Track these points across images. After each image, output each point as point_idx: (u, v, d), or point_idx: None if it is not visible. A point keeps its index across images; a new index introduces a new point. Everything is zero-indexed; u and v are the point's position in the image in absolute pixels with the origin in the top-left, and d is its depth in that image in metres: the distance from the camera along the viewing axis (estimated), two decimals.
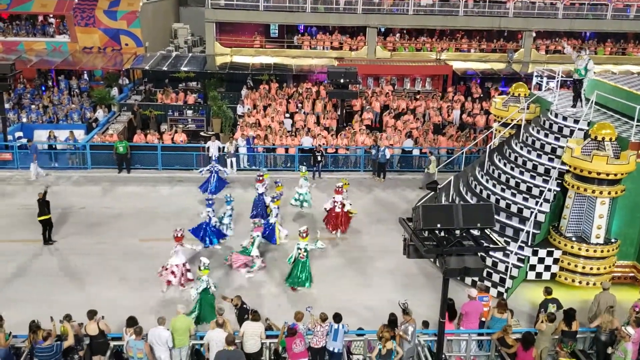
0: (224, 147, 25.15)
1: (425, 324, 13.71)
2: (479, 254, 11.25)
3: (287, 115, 29.88)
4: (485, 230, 11.77)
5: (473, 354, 13.46)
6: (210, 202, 18.73)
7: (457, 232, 11.03)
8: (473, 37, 39.28)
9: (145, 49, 36.73)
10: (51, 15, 37.23)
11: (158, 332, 12.08)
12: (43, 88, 33.32)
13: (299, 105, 30.32)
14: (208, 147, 25.02)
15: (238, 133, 26.65)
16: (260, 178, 20.49)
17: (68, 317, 12.24)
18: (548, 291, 14.27)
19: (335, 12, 36.95)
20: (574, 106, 18.73)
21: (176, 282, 16.12)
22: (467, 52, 38.47)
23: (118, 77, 34.82)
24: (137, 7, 36.04)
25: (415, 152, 26.39)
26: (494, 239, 12.03)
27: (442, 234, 11.16)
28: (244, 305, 13.66)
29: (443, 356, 12.45)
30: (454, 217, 10.85)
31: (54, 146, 25.74)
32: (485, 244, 11.36)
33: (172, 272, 16.06)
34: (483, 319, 14.05)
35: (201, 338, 12.66)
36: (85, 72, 35.25)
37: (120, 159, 24.78)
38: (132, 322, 12.09)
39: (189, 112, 30.63)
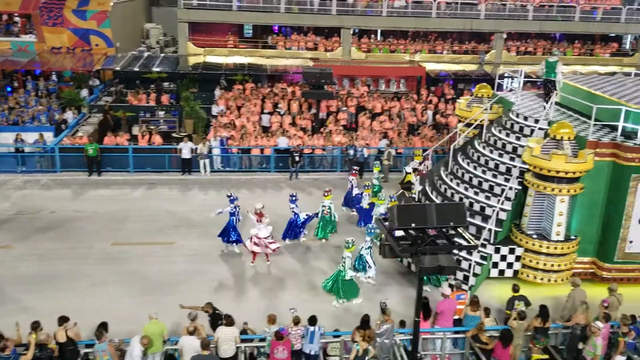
0: (196, 149, 24.92)
1: (402, 324, 13.72)
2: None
3: (267, 112, 29.80)
4: (458, 229, 11.83)
5: (448, 352, 13.52)
6: (293, 198, 18.93)
7: (431, 231, 11.08)
8: (445, 39, 39.60)
9: (116, 50, 36.22)
10: (16, 14, 36.44)
11: (133, 344, 11.87)
12: (8, 89, 32.53)
13: (279, 106, 30.24)
14: (180, 149, 24.77)
15: (211, 134, 26.42)
16: (354, 172, 21.52)
17: (36, 325, 11.96)
18: (515, 289, 14.43)
19: (310, 13, 36.91)
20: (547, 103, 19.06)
21: (260, 250, 17.17)
22: (440, 53, 38.75)
23: (88, 78, 34.22)
24: (107, 6, 35.49)
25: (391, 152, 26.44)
26: (467, 237, 12.11)
27: (417, 233, 11.19)
28: (217, 311, 13.50)
29: (418, 355, 12.48)
30: (427, 216, 10.91)
31: (21, 149, 25.20)
32: (458, 243, 11.43)
33: (255, 243, 17.09)
34: (456, 317, 14.13)
35: (175, 343, 12.49)
36: (53, 72, 34.58)
37: (91, 161, 24.36)
38: (101, 328, 11.86)
39: (161, 113, 30.28)
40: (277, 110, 29.94)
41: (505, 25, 38.05)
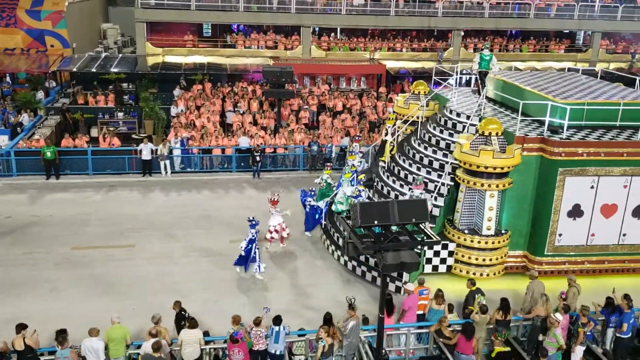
0: (156, 150, 24.62)
1: (366, 321, 13.83)
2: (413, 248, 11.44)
3: (230, 109, 29.72)
4: (420, 225, 11.98)
5: (412, 348, 13.68)
6: (311, 193, 19.67)
7: (394, 227, 11.19)
8: (405, 37, 40.00)
9: (73, 50, 35.53)
10: None
11: (90, 344, 11.71)
12: None
13: (239, 105, 30.11)
14: (140, 150, 24.44)
15: (171, 134, 26.12)
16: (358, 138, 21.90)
17: None
18: (472, 282, 14.54)
19: (269, 12, 36.85)
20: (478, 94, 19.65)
21: (277, 237, 18.22)
22: (400, 51, 39.15)
23: (44, 80, 33.47)
24: (62, 6, 34.79)
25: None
26: (429, 232, 12.26)
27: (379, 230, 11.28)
28: (182, 312, 13.41)
29: (383, 351, 12.60)
30: (390, 213, 11.00)
31: None
32: (420, 239, 11.58)
33: (270, 231, 18.07)
34: (420, 312, 14.29)
35: (138, 347, 12.35)
36: (7, 74, 33.66)
37: (48, 164, 23.81)
38: (62, 334, 11.65)
39: (120, 114, 29.81)
40: (237, 109, 29.82)
41: (462, 22, 38.68)
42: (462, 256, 16.66)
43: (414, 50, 39.35)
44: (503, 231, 16.72)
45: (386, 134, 20.72)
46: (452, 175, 17.08)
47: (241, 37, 37.84)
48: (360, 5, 37.76)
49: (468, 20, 38.79)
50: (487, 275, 16.58)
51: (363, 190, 17.80)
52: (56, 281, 16.48)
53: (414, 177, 17.50)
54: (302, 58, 36.80)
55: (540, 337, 13.22)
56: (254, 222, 16.84)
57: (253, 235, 16.70)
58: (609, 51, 41.67)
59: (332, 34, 39.16)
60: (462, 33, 39.08)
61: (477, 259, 16.51)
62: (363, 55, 38.07)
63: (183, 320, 12.99)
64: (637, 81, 20.02)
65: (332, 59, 37.14)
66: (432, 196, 17.14)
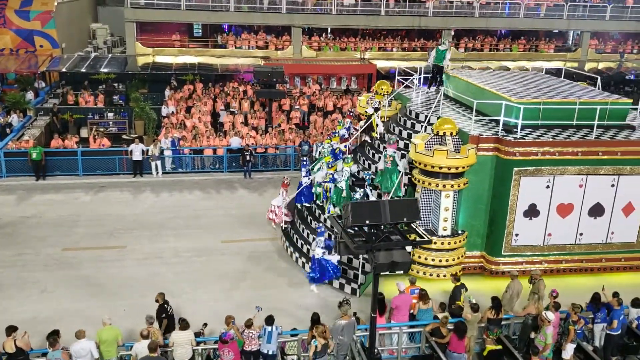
0: (147, 150, 24.53)
1: (356, 321, 13.81)
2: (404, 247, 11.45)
3: (222, 109, 29.72)
4: (412, 224, 12.00)
5: (404, 347, 13.70)
6: (304, 162, 19.44)
7: (385, 227, 11.21)
8: (395, 37, 40.08)
9: (62, 51, 35.32)
10: None
11: (80, 346, 11.60)
12: None
13: (233, 105, 30.08)
14: (131, 151, 24.34)
15: (162, 134, 26.02)
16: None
17: None
18: (457, 278, 14.48)
19: (260, 12, 36.81)
20: (429, 87, 19.91)
21: (278, 220, 18.76)
22: (390, 51, 39.23)
23: (33, 80, 33.26)
24: (51, 6, 34.61)
25: None
26: (420, 232, 12.27)
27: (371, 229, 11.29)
28: (165, 305, 13.35)
29: (375, 350, 12.61)
30: (381, 212, 11.02)
31: None
32: (411, 238, 11.60)
33: (272, 211, 18.71)
34: (410, 311, 14.32)
35: (130, 348, 12.30)
36: None
37: (36, 165, 23.67)
38: (53, 335, 11.58)
39: (110, 114, 29.67)
40: (232, 110, 29.78)
41: (452, 22, 38.82)
42: (419, 257, 16.27)
43: (405, 49, 39.44)
44: (460, 232, 16.46)
45: (374, 109, 20.49)
46: (409, 176, 16.89)
47: (232, 37, 37.78)
48: (350, 5, 37.79)
49: (458, 19, 38.94)
50: (445, 276, 16.15)
51: (334, 172, 17.47)
52: (46, 282, 16.39)
53: (388, 137, 17.22)
54: (292, 58, 36.79)
55: (532, 335, 13.28)
56: (323, 230, 16.52)
57: (328, 241, 16.29)
58: (598, 51, 41.96)
59: (323, 34, 39.19)
60: (453, 32, 39.21)
61: (433, 260, 16.16)
62: (353, 55, 38.11)
63: (164, 313, 12.91)
64: (599, 80, 20.10)
65: (323, 59, 37.16)
66: (390, 197, 16.80)
